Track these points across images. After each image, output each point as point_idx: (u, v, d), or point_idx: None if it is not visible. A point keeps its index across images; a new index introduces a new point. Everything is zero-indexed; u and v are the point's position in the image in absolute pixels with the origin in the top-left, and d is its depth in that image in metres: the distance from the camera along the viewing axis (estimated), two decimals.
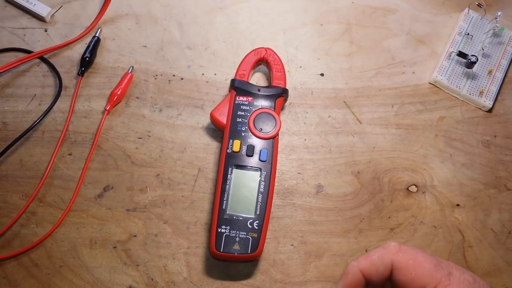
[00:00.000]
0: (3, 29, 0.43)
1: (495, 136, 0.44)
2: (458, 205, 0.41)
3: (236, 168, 0.37)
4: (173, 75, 0.43)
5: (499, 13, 0.45)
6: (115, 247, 0.37)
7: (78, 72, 0.42)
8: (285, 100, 0.42)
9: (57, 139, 0.39)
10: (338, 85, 0.44)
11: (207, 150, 0.41)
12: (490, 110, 0.44)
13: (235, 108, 0.38)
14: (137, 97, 0.42)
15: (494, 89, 0.45)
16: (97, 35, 0.43)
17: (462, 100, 0.45)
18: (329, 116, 0.43)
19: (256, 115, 0.38)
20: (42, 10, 0.43)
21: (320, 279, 0.37)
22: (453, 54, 0.45)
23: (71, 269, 0.36)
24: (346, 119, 0.43)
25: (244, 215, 0.35)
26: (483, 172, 0.42)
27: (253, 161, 0.37)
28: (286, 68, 0.44)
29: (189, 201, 0.39)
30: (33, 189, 0.38)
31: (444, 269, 0.28)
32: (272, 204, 0.39)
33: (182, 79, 0.43)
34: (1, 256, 0.36)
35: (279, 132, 0.39)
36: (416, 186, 0.41)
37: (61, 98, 0.41)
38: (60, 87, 0.41)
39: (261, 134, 0.38)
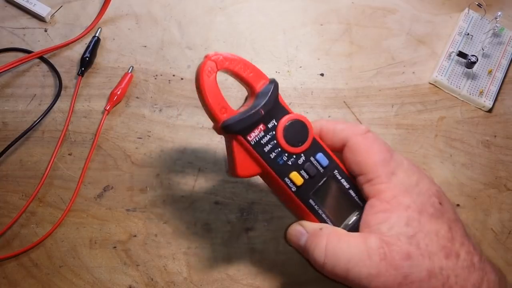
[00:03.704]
0: (3, 29, 0.43)
1: (495, 136, 0.44)
2: (458, 205, 0.41)
3: (315, 195, 0.31)
4: (173, 75, 0.43)
5: (499, 13, 0.45)
6: (115, 247, 0.37)
7: (78, 72, 0.42)
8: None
9: (57, 139, 0.39)
10: (338, 85, 0.44)
11: (207, 150, 0.41)
12: (490, 110, 0.44)
13: (257, 148, 0.30)
14: (137, 97, 0.42)
15: (494, 89, 0.45)
16: (97, 35, 0.43)
17: (462, 100, 0.45)
18: (329, 116, 0.43)
19: (284, 135, 0.30)
20: (42, 10, 0.43)
21: (320, 279, 0.37)
22: (453, 54, 0.45)
23: (71, 269, 0.36)
24: (346, 119, 0.43)
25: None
26: (483, 172, 0.42)
27: (320, 173, 0.31)
28: (286, 69, 0.44)
29: (189, 201, 0.39)
30: (33, 189, 0.38)
31: (390, 167, 0.28)
32: (273, 204, 0.39)
33: (182, 79, 0.43)
34: (1, 256, 0.36)
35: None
36: None
37: (61, 98, 0.41)
38: (60, 87, 0.41)
39: (303, 147, 0.31)
